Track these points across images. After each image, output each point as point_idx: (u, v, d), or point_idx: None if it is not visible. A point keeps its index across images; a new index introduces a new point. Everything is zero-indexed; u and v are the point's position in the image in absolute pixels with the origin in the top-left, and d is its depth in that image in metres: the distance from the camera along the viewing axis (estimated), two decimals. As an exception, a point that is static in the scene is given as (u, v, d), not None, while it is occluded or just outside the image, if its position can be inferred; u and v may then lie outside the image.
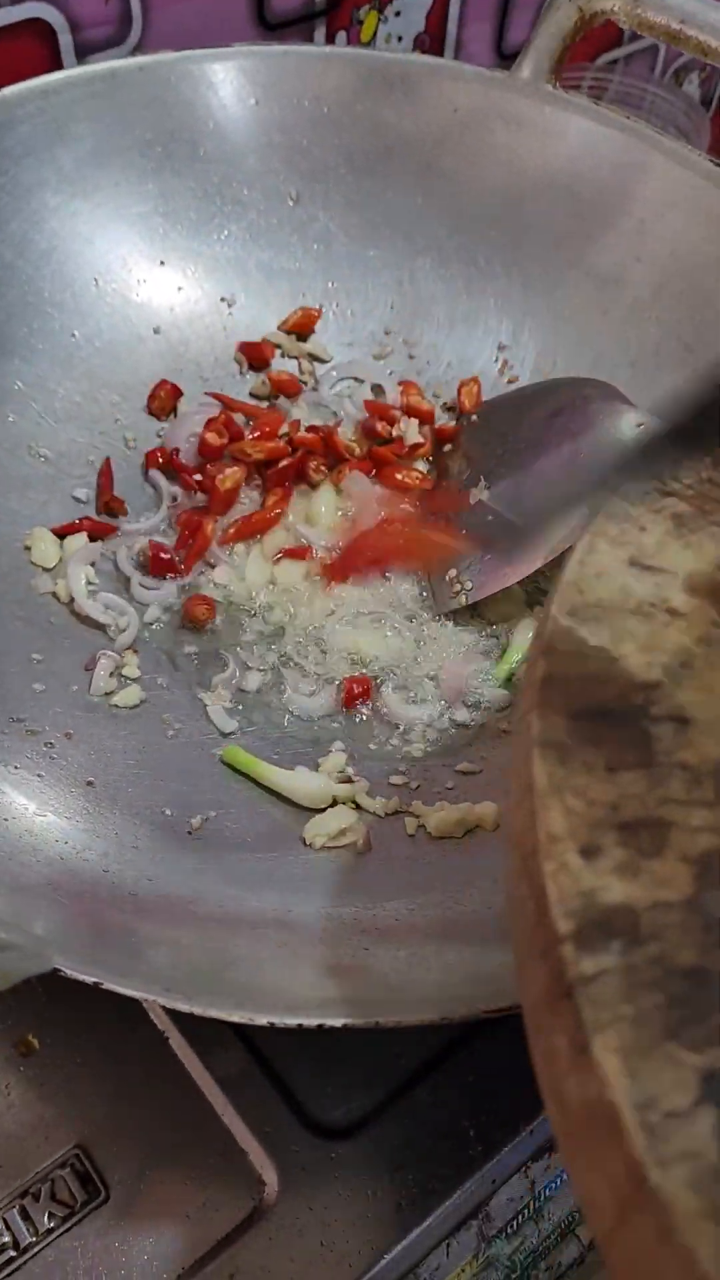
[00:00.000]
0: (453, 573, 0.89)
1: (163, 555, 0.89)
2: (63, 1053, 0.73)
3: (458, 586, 0.89)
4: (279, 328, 1.04)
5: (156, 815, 0.74)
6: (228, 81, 1.02)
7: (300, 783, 0.77)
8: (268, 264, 1.04)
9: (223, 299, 1.03)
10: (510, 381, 1.03)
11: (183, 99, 1.00)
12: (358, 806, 0.77)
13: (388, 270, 1.05)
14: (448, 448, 0.99)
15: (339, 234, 1.05)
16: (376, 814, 0.77)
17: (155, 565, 0.89)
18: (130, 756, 0.77)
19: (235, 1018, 0.55)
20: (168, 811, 0.74)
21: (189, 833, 0.73)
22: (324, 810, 0.76)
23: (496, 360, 1.04)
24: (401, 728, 0.83)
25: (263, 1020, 0.54)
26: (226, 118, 1.02)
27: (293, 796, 0.77)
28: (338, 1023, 0.55)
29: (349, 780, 0.78)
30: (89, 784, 0.74)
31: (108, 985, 0.55)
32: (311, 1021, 0.55)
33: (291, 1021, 0.55)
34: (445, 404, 1.03)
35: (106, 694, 0.81)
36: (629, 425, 0.87)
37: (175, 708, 0.82)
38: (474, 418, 0.99)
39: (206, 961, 0.60)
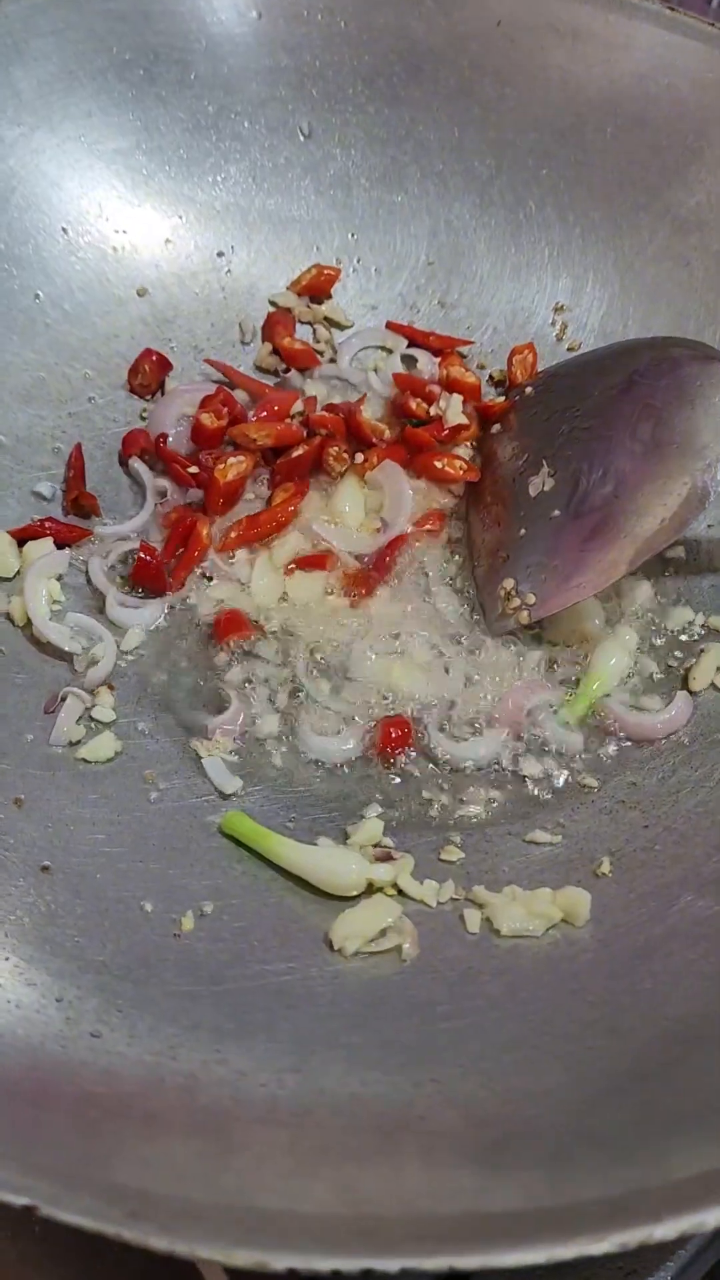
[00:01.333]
0: (509, 582, 0.71)
1: (148, 563, 0.71)
2: None
3: (516, 600, 0.70)
4: (289, 289, 0.86)
5: (132, 912, 0.56)
6: (224, -12, 0.84)
7: (324, 861, 0.59)
8: (274, 212, 0.86)
9: (220, 253, 0.85)
10: (571, 349, 0.85)
11: (168, 9, 0.83)
12: (400, 892, 0.58)
13: (419, 218, 0.87)
14: (496, 428, 0.80)
15: (359, 176, 0.87)
16: (426, 903, 0.58)
17: (140, 574, 0.71)
18: (100, 829, 0.59)
19: (239, 1261, 0.36)
20: (147, 906, 0.56)
21: (175, 936, 0.55)
22: (356, 899, 0.57)
23: (554, 324, 0.86)
24: (451, 777, 0.65)
25: (280, 1265, 0.36)
26: (223, 34, 0.84)
27: (314, 881, 0.58)
28: (392, 1267, 0.36)
29: (388, 856, 0.60)
30: (44, 869, 0.56)
31: (46, 1211, 0.36)
32: (354, 1266, 0.36)
33: (324, 1266, 0.36)
34: (492, 376, 0.85)
35: (71, 744, 0.63)
36: None
37: (161, 761, 0.64)
38: (529, 390, 0.80)
39: (190, 1159, 0.42)
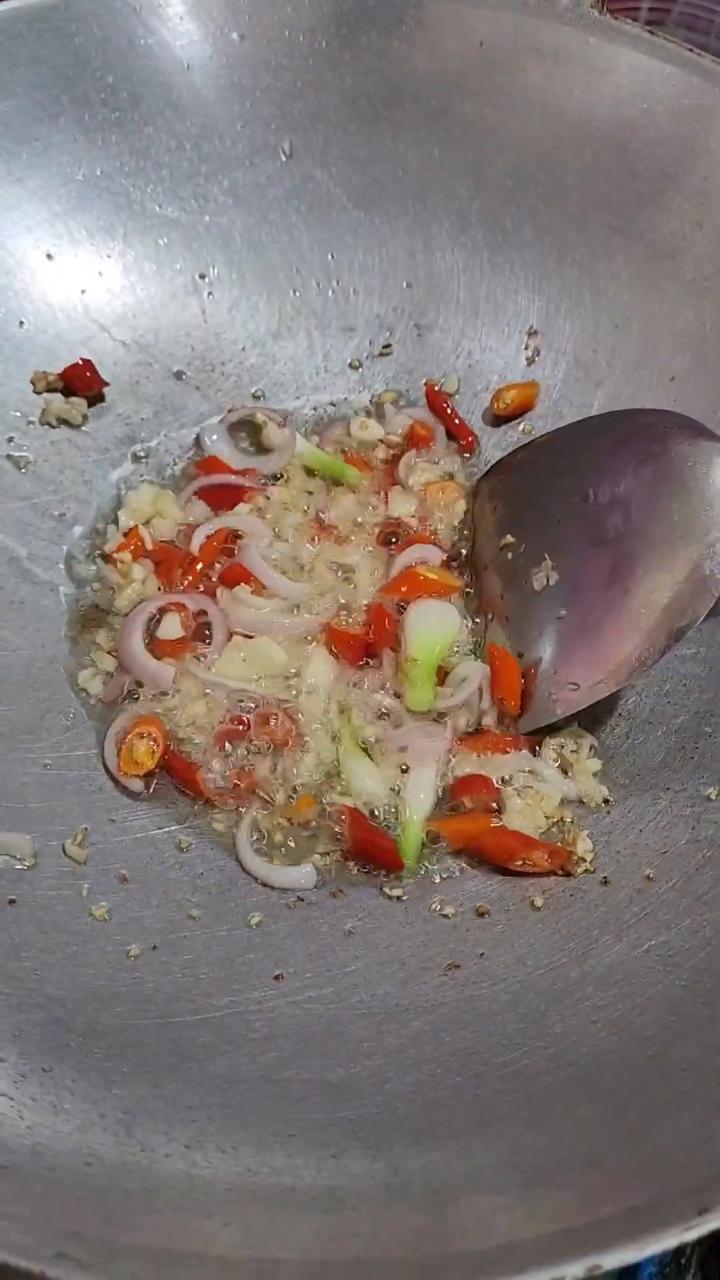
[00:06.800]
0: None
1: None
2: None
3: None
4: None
5: (89, 946, 0.60)
6: (206, 11, 0.85)
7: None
8: (255, 233, 0.88)
9: (201, 275, 0.87)
10: (530, 363, 0.86)
11: (151, 32, 0.84)
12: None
13: (398, 239, 0.89)
14: (485, 494, 0.81)
15: (340, 195, 0.88)
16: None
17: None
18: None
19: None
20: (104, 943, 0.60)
21: (127, 957, 0.59)
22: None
23: (526, 348, 0.87)
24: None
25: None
26: (206, 57, 0.86)
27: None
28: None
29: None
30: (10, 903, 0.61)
31: (-21, 1254, 0.42)
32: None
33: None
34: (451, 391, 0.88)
35: (43, 777, 0.67)
36: None
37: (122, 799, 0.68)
38: (520, 456, 0.81)
39: (118, 1198, 0.47)
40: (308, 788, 0.69)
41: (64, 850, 0.64)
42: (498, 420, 0.86)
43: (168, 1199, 0.47)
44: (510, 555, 0.76)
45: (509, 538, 0.77)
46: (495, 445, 0.86)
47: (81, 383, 0.82)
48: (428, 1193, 0.48)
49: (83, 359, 0.82)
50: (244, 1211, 0.47)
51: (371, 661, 0.74)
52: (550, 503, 0.75)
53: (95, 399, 0.83)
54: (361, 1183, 0.49)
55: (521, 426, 0.86)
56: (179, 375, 0.86)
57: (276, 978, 0.61)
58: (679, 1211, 0.44)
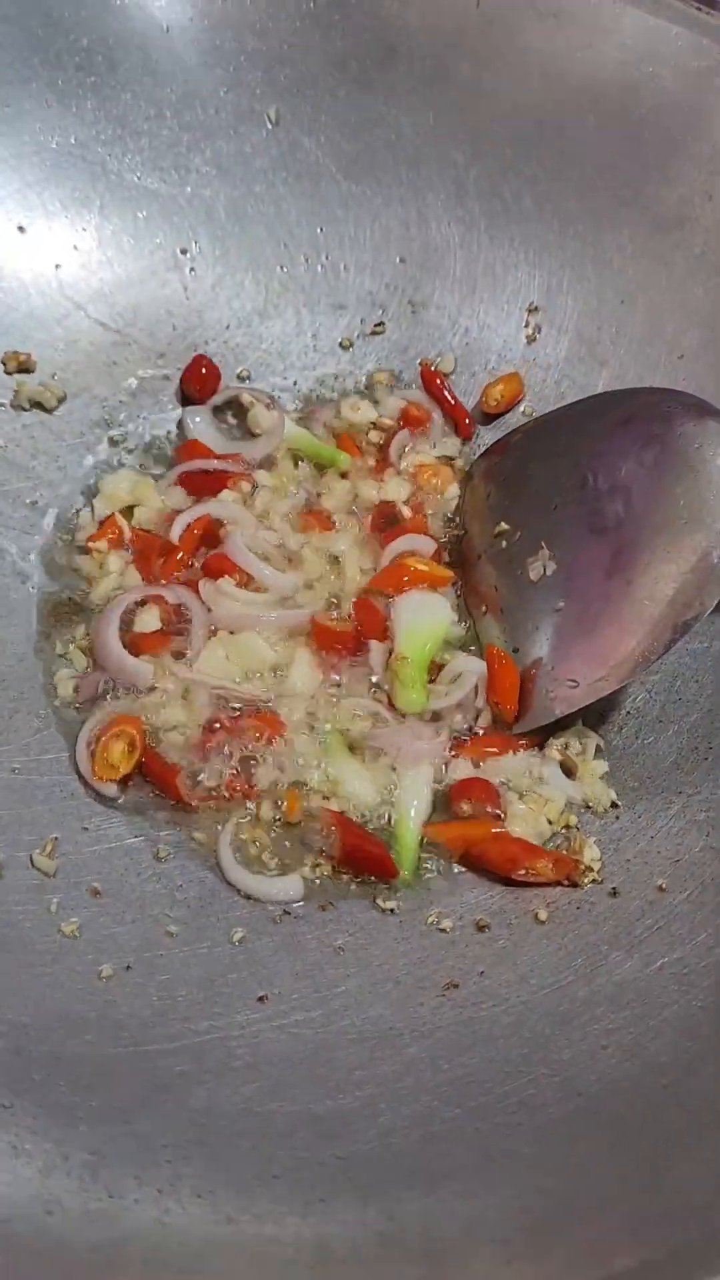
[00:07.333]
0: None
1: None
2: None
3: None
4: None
5: (57, 966, 0.56)
6: (187, -30, 0.80)
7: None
8: (240, 205, 0.84)
9: (183, 250, 0.82)
10: (530, 341, 0.82)
11: (129, -7, 0.79)
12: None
13: (391, 210, 0.84)
14: (477, 484, 0.77)
15: (329, 165, 0.84)
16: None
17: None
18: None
19: None
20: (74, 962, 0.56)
21: (99, 978, 0.55)
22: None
23: (527, 325, 0.82)
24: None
25: None
26: (185, 17, 0.81)
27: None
28: None
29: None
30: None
31: None
32: None
33: None
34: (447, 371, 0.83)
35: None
36: None
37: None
38: (516, 438, 0.76)
39: (84, 1253, 0.42)
40: (294, 793, 0.64)
41: (32, 861, 0.60)
42: (488, 418, 0.82)
43: (137, 1253, 0.43)
44: (505, 544, 0.72)
45: (503, 525, 0.72)
46: (495, 426, 0.82)
47: (197, 380, 0.79)
48: (425, 1241, 0.44)
49: (199, 354, 0.80)
50: (222, 1267, 0.43)
51: (359, 658, 0.69)
52: (547, 488, 0.71)
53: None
54: (352, 1230, 0.45)
55: (522, 409, 0.82)
56: (160, 356, 0.81)
57: (261, 999, 0.56)
58: (702, 1263, 0.40)
